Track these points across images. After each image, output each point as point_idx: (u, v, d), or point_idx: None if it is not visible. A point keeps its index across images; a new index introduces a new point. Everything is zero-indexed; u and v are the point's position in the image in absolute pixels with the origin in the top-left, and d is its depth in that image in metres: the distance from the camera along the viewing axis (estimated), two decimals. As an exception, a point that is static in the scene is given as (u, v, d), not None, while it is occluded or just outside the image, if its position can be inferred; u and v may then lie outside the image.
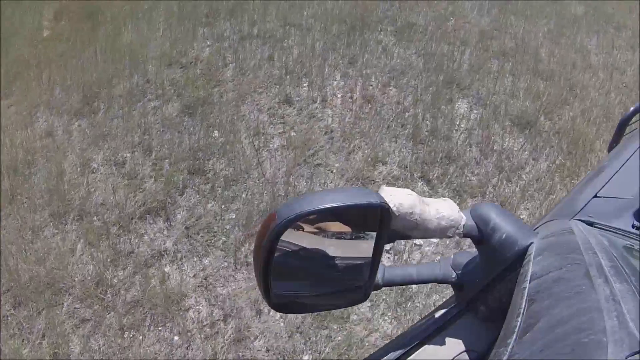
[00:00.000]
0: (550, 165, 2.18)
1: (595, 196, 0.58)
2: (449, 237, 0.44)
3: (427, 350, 0.46)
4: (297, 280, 0.43)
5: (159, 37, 2.98)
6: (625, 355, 0.26)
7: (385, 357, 0.46)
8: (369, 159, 2.01)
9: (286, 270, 0.40)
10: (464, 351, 0.45)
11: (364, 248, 0.41)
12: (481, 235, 0.44)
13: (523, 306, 0.35)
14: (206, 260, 1.75)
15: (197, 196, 1.95)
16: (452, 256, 0.50)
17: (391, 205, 0.40)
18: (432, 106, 2.35)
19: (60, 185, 1.99)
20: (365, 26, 3.04)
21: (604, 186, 0.61)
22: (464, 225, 0.44)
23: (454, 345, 0.46)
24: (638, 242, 0.47)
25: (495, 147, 2.21)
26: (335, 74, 2.58)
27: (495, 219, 0.44)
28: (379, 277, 0.45)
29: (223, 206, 1.90)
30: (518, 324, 0.34)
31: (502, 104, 2.48)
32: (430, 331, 0.47)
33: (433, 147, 2.13)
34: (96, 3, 3.44)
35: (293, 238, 0.39)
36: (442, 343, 0.46)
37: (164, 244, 1.80)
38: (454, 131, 2.27)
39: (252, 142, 2.12)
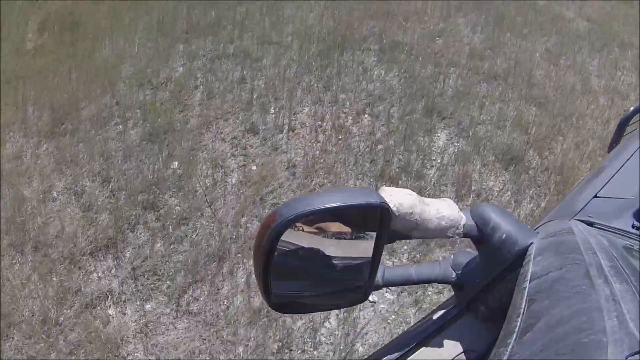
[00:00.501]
0: (534, 209, 1.98)
1: (595, 196, 0.59)
2: (449, 237, 0.44)
3: (428, 350, 0.46)
4: (297, 280, 0.44)
5: (134, 53, 2.88)
6: (625, 355, 0.26)
7: (386, 358, 0.46)
8: (329, 200, 1.85)
9: (286, 270, 0.40)
10: (464, 351, 0.45)
11: (364, 248, 0.42)
12: (481, 235, 0.45)
13: (523, 306, 0.36)
14: (148, 305, 1.66)
15: (148, 234, 1.84)
16: (452, 256, 0.50)
17: (391, 205, 0.40)
18: (407, 138, 2.17)
19: (19, 215, 1.92)
20: (348, 45, 2.86)
21: (604, 186, 0.61)
22: (464, 225, 0.44)
23: (454, 346, 0.46)
24: (638, 242, 0.47)
25: (473, 187, 2.03)
26: (308, 100, 2.43)
27: (495, 218, 0.44)
28: (378, 277, 0.46)
29: (171, 247, 1.78)
30: (518, 324, 0.34)
31: (486, 136, 2.28)
32: (431, 331, 0.47)
33: (402, 186, 1.95)
34: (79, 15, 3.37)
35: (293, 238, 0.39)
36: (443, 343, 0.46)
37: (111, 284, 1.73)
38: (429, 167, 2.09)
39: (208, 176, 2.00)
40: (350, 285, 0.44)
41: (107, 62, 2.81)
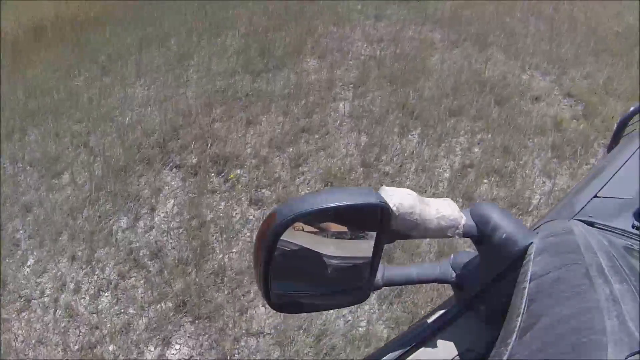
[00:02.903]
0: None
1: (595, 196, 0.58)
2: (449, 236, 0.43)
3: (427, 350, 0.46)
4: (297, 280, 0.43)
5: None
6: (625, 355, 0.26)
7: (385, 357, 0.45)
8: None
9: (286, 270, 0.40)
10: (463, 351, 0.45)
11: (364, 248, 0.42)
12: (481, 235, 0.44)
13: (523, 306, 0.36)
14: None
15: None
16: (452, 256, 0.49)
17: (391, 205, 0.40)
18: (136, 346, 1.51)
19: None
20: (166, 154, 2.13)
21: (604, 186, 0.60)
22: (463, 225, 0.44)
23: (454, 345, 0.45)
24: (638, 242, 0.47)
25: None
26: (65, 254, 1.87)
27: (495, 218, 0.44)
28: (379, 277, 0.45)
29: None
30: (518, 324, 0.34)
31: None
32: (431, 331, 0.47)
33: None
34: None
35: (293, 238, 0.39)
36: (442, 343, 0.46)
37: None
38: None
39: None
40: (350, 285, 0.43)
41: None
